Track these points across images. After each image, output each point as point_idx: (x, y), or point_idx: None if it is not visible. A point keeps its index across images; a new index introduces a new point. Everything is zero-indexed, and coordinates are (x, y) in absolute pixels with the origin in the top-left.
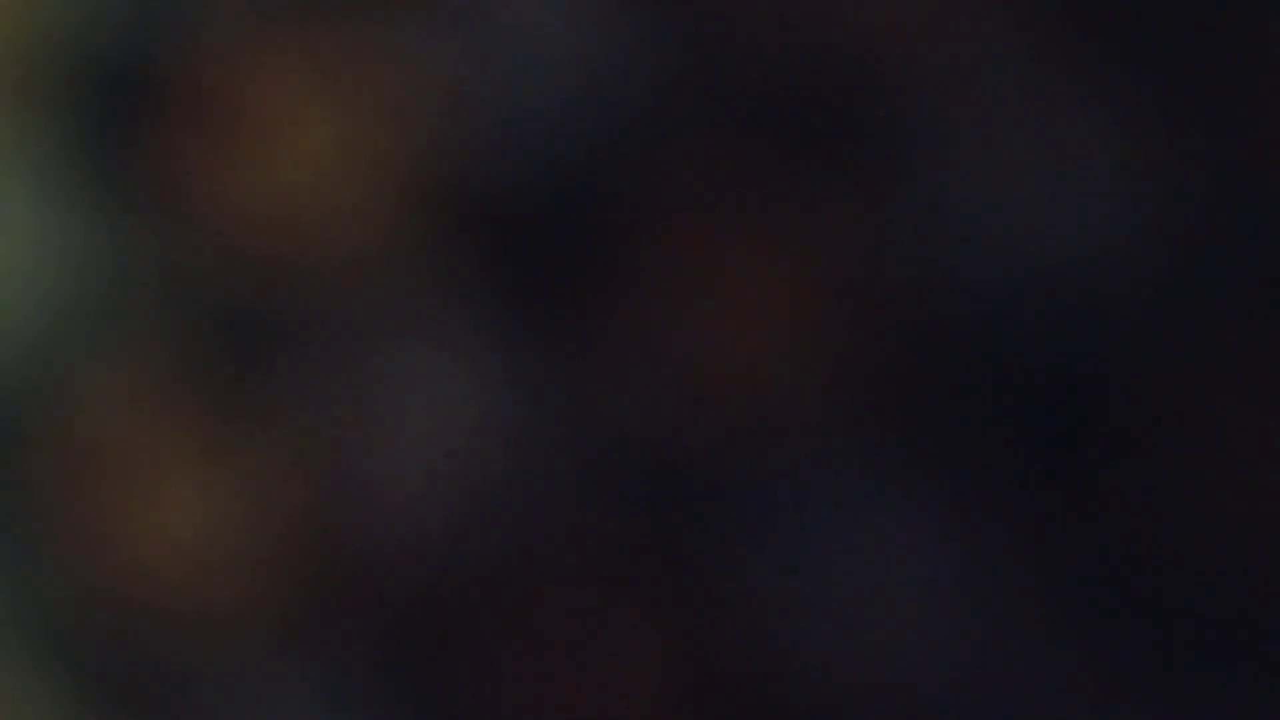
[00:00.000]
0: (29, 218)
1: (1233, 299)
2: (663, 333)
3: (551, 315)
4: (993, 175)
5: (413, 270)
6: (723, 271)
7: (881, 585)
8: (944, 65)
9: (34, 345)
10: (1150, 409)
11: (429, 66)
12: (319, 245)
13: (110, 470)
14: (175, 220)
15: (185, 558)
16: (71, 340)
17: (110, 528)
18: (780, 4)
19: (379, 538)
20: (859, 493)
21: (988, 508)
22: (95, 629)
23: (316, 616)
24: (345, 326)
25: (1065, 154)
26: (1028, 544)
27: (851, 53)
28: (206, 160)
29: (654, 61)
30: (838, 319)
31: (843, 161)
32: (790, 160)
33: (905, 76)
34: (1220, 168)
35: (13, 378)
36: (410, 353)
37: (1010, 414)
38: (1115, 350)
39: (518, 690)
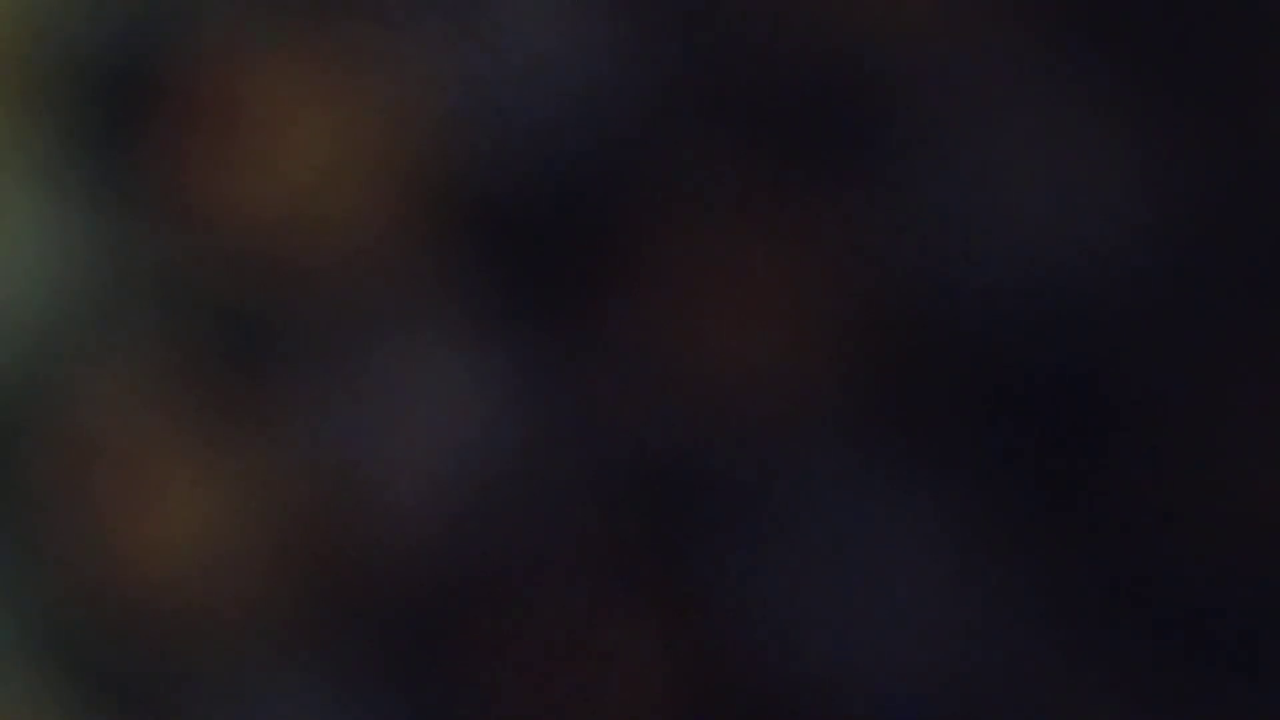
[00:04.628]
0: (29, 218)
1: (1233, 299)
2: (663, 333)
3: (552, 315)
4: (993, 175)
5: (413, 270)
6: (723, 271)
7: (882, 585)
8: (944, 65)
9: (34, 345)
10: (1151, 408)
11: (429, 66)
12: (319, 245)
13: (110, 470)
14: (175, 220)
15: (185, 557)
16: (71, 340)
17: (110, 527)
18: (780, 4)
19: (379, 538)
20: (859, 492)
21: (988, 508)
22: (95, 629)
23: (316, 616)
24: (346, 326)
25: (1066, 153)
26: (1029, 544)
27: (851, 53)
28: (206, 160)
29: (654, 62)
30: (838, 319)
31: (843, 161)
32: (790, 160)
33: (905, 76)
34: (1222, 168)
35: (13, 378)
36: (410, 353)
37: (1010, 413)
38: (1116, 350)
39: (517, 691)
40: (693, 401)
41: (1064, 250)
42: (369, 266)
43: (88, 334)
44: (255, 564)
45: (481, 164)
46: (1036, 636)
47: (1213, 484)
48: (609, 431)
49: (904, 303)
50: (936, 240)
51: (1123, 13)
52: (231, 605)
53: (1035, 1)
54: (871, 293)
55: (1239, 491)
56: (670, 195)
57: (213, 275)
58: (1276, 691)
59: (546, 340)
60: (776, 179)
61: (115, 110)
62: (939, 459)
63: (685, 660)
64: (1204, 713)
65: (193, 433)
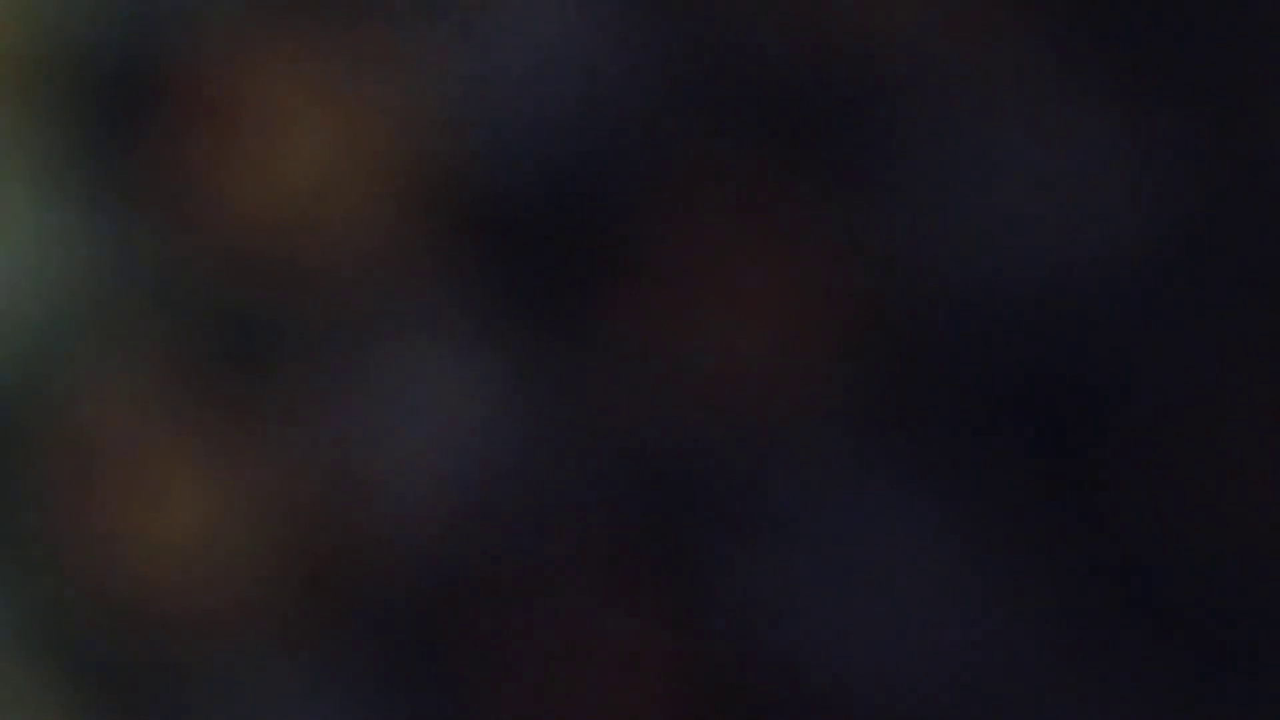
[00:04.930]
0: (29, 218)
1: (1232, 299)
2: (663, 333)
3: (552, 315)
4: (993, 175)
5: (413, 270)
6: (723, 271)
7: (882, 584)
8: (944, 65)
9: (34, 345)
10: (1150, 408)
11: (430, 67)
12: (319, 245)
13: (110, 470)
14: (175, 220)
15: (185, 558)
16: (71, 340)
17: (110, 528)
18: (781, 4)
19: (379, 538)
20: (859, 492)
21: (988, 507)
22: (95, 629)
23: (316, 616)
24: (346, 327)
25: (1065, 153)
26: (1028, 543)
27: (851, 53)
28: (207, 160)
29: (655, 62)
30: (838, 319)
31: (843, 161)
32: (790, 160)
33: (905, 76)
34: (1221, 168)
35: (13, 378)
36: (411, 353)
37: (1010, 413)
38: (1115, 350)
39: (518, 691)
40: (693, 401)
41: (1064, 250)
42: (370, 266)
43: (88, 334)
44: (256, 564)
45: (482, 164)
46: (1036, 636)
47: (1213, 484)
48: (609, 431)
49: (904, 302)
50: (937, 240)
51: (1123, 12)
52: (232, 605)
53: (1035, 2)
54: (872, 292)
55: (1239, 491)
56: (671, 195)
57: (213, 275)
58: (1277, 691)
59: (547, 340)
60: (777, 179)
61: (116, 110)
62: (939, 458)
63: (685, 660)
64: (1204, 713)
65: (193, 432)
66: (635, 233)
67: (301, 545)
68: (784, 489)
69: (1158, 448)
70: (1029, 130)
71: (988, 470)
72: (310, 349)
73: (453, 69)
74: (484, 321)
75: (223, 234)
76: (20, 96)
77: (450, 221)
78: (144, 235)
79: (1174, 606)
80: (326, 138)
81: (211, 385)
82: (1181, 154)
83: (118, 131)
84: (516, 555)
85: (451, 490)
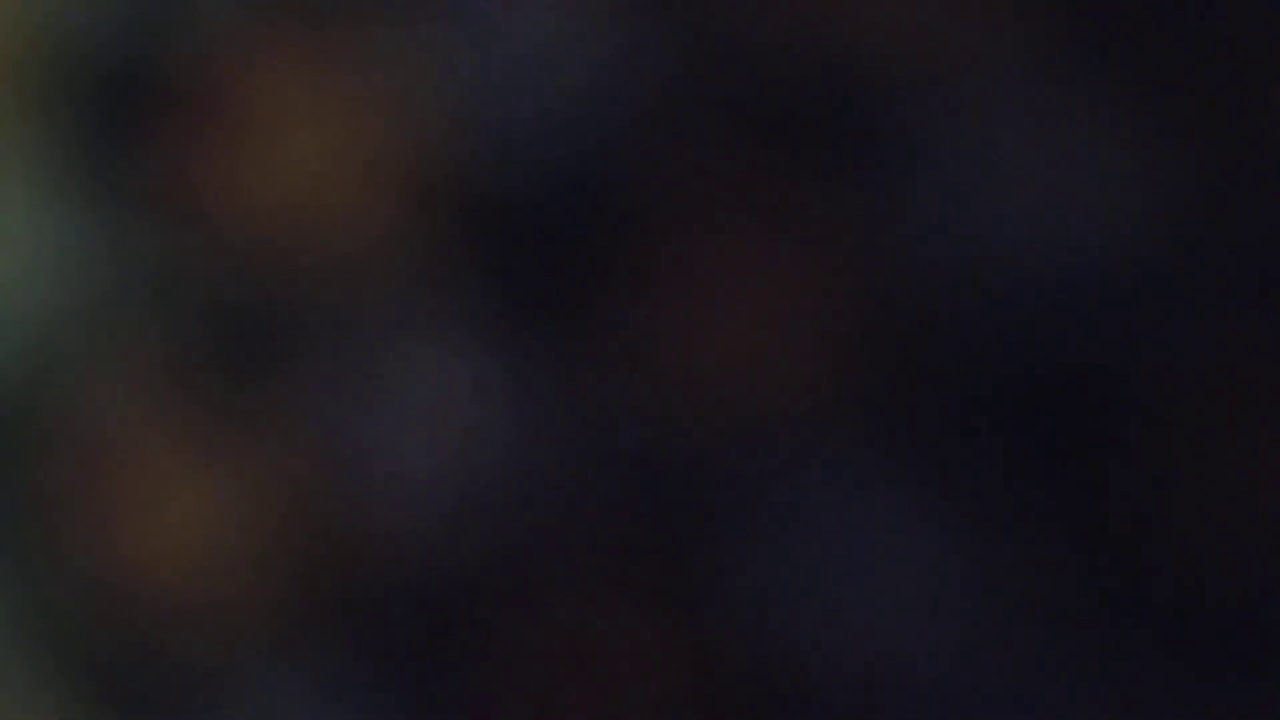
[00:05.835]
0: (29, 218)
1: (1233, 299)
2: (663, 333)
3: (551, 315)
4: (992, 175)
5: (413, 270)
6: (723, 271)
7: (881, 584)
8: (944, 66)
9: (34, 345)
10: (1150, 408)
11: (429, 66)
12: (319, 245)
13: (110, 470)
14: (175, 220)
15: (185, 557)
16: (71, 340)
17: (110, 527)
18: (781, 5)
19: (379, 537)
20: (858, 492)
21: (988, 507)
22: (96, 629)
23: (316, 616)
24: (345, 326)
25: (1065, 153)
26: (1028, 543)
27: (851, 53)
28: (207, 160)
29: (655, 61)
30: (837, 318)
31: (843, 161)
32: (790, 160)
33: (905, 77)
34: (1220, 168)
35: (13, 378)
36: (410, 352)
37: (1010, 413)
38: (1115, 350)
39: (517, 690)
40: (693, 401)
41: (1064, 249)
42: (369, 266)
43: (88, 334)
44: (256, 564)
45: (482, 164)
46: (1038, 636)
47: (1214, 480)
48: (609, 431)
49: (905, 302)
50: (937, 239)
51: (1121, 12)
52: (231, 604)
53: (1035, 2)
54: (872, 292)
55: (1241, 488)
56: (670, 195)
57: (212, 275)
58: (1276, 691)
59: (547, 340)
60: (778, 179)
61: (115, 110)
62: (940, 458)
63: (685, 660)
64: (1204, 712)
65: (193, 432)
66: (636, 232)
67: (301, 545)
68: (784, 489)
69: (1159, 447)
70: (1029, 129)
71: (988, 469)
72: (310, 348)
73: (453, 69)
74: (484, 321)
75: (222, 234)
76: (19, 97)
77: (450, 221)
78: (144, 235)
79: (1175, 605)
80: (326, 137)
81: (212, 385)
82: (1181, 151)
83: (118, 132)
84: (516, 555)
85: (450, 489)
